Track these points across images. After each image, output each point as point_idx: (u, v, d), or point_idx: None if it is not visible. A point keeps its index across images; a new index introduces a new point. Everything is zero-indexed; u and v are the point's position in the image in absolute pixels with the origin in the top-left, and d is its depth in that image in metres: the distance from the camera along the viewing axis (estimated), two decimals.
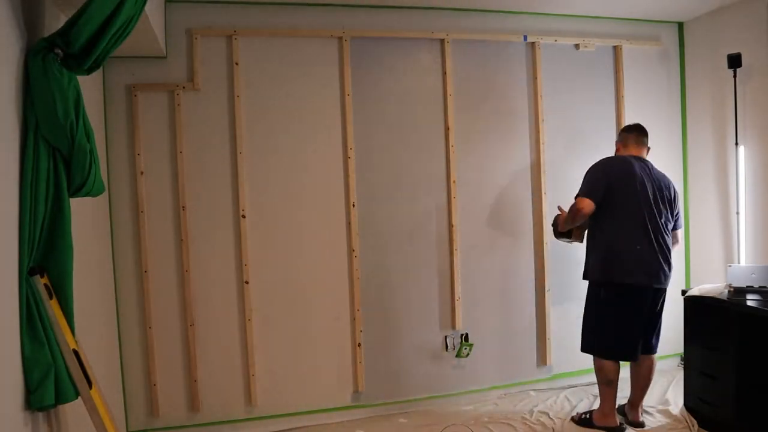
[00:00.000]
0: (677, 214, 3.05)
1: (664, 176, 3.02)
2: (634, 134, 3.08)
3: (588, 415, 3.06)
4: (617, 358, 2.95)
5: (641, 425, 3.02)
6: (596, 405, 3.16)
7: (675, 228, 3.05)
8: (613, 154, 3.13)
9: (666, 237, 2.92)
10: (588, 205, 2.82)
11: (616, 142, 3.18)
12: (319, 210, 3.31)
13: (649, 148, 3.11)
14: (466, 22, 3.49)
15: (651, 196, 2.87)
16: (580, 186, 2.96)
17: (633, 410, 3.07)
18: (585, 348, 3.03)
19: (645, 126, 3.13)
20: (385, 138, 3.39)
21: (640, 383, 3.04)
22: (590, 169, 2.98)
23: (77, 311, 1.96)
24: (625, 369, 3.16)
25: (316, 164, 3.30)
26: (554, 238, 3.29)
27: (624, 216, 2.86)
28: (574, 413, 3.20)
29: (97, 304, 2.73)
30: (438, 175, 3.48)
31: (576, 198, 2.91)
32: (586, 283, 3.05)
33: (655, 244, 2.85)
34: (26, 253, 1.74)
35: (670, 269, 2.91)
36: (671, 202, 2.97)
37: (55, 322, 1.82)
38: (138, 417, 3.12)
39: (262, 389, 3.24)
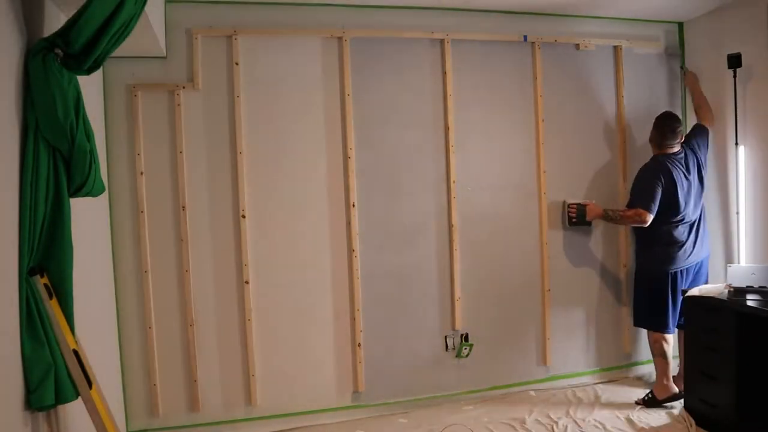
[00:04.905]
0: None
1: (690, 149, 3.36)
2: (663, 132, 3.32)
3: (650, 395, 3.31)
4: (668, 331, 3.29)
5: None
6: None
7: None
8: (652, 155, 3.40)
9: (702, 218, 3.37)
10: (649, 218, 3.21)
11: (650, 140, 3.43)
12: (319, 210, 3.31)
13: (682, 135, 3.38)
14: (466, 22, 3.49)
15: (688, 192, 3.27)
16: (632, 193, 3.37)
17: (680, 381, 3.31)
18: (639, 324, 3.47)
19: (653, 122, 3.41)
20: (385, 138, 3.39)
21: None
22: (641, 178, 3.33)
23: (77, 311, 1.96)
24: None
25: (316, 164, 3.30)
26: (567, 225, 3.60)
27: (670, 220, 3.26)
28: (638, 399, 3.36)
29: (97, 304, 2.73)
30: (438, 175, 3.48)
31: (636, 206, 3.27)
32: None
33: (695, 234, 3.33)
34: (26, 253, 1.74)
35: (705, 247, 3.42)
36: (701, 173, 3.36)
37: (55, 322, 1.82)
38: (138, 417, 3.12)
39: (262, 389, 3.24)
